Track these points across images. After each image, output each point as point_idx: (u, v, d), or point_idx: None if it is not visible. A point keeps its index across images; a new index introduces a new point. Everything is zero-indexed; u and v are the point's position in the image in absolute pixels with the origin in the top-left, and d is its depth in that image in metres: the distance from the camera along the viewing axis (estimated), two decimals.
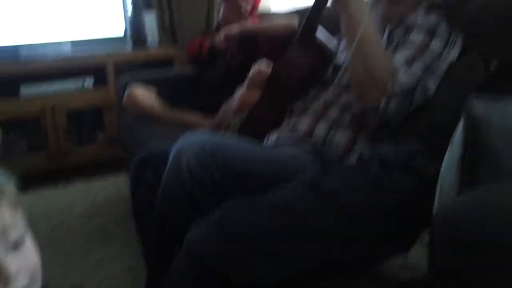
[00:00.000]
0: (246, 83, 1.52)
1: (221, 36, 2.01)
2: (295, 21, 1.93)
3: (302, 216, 0.86)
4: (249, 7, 2.23)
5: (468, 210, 0.54)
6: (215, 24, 2.92)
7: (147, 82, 2.20)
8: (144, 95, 2.04)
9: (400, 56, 1.23)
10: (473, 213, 0.53)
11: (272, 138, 1.37)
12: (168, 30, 3.39)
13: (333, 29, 1.44)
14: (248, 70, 1.96)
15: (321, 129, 1.30)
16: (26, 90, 2.76)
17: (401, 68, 1.17)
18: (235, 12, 2.23)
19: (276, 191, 0.95)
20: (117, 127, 2.75)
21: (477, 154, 0.61)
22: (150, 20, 3.17)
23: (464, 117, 0.62)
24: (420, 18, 1.33)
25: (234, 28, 2.00)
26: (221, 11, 2.33)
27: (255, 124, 1.48)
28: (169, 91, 2.14)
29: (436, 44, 1.26)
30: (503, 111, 0.62)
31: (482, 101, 0.62)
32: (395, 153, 0.95)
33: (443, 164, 0.69)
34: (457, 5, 1.38)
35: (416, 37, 1.27)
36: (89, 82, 2.93)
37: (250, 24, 2.15)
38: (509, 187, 0.55)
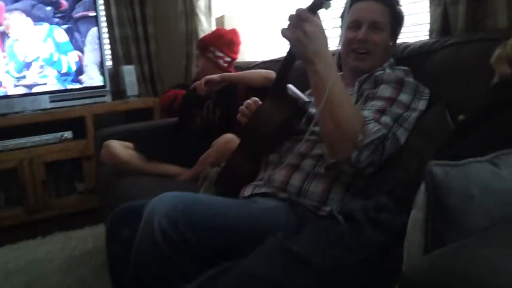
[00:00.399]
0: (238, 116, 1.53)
1: (202, 81, 2.05)
2: (274, 73, 1.99)
3: (274, 285, 0.86)
4: (226, 62, 2.29)
5: (434, 273, 0.54)
6: (193, 76, 2.99)
7: (125, 134, 2.22)
8: (121, 149, 2.04)
9: (370, 108, 1.27)
10: (438, 276, 0.53)
11: (248, 190, 1.38)
12: (147, 82, 3.45)
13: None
14: (226, 121, 1.99)
15: (296, 180, 1.31)
16: (4, 143, 2.75)
17: (371, 120, 1.20)
18: (212, 67, 2.29)
19: (247, 259, 0.94)
20: (96, 178, 2.73)
21: (440, 217, 0.62)
22: (129, 72, 3.21)
23: (425, 182, 0.64)
24: (388, 72, 1.39)
25: (215, 76, 2.05)
26: (198, 66, 2.38)
27: (231, 176, 1.48)
28: (148, 143, 2.15)
29: (404, 97, 1.30)
30: (462, 172, 0.65)
31: (441, 165, 0.64)
32: (363, 208, 0.96)
33: (409, 221, 0.70)
34: (420, 60, 1.45)
35: (385, 90, 1.31)
36: (68, 134, 2.93)
37: (230, 73, 2.21)
38: (474, 251, 0.56)
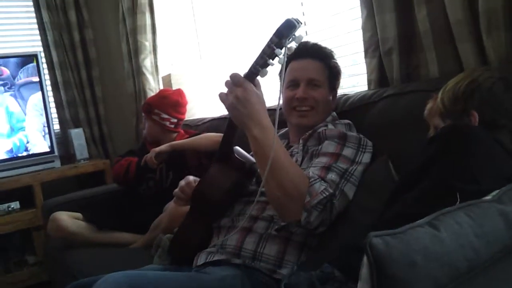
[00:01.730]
0: (175, 193, 1.49)
1: (151, 155, 2.02)
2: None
3: None
4: (172, 123, 2.27)
5: None
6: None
7: (73, 203, 2.14)
8: (69, 221, 1.96)
9: (316, 166, 1.28)
10: None
11: (201, 258, 1.33)
12: (98, 144, 3.38)
13: None
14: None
15: (250, 244, 1.28)
16: None
17: (317, 179, 1.20)
18: (159, 129, 2.27)
19: None
20: (44, 251, 2.60)
21: None
22: (77, 136, 3.14)
23: (366, 256, 0.63)
24: (330, 127, 1.41)
25: (163, 147, 2.03)
26: (145, 128, 2.35)
27: (184, 243, 1.45)
28: (97, 212, 2.08)
29: (348, 151, 1.32)
30: (402, 241, 0.64)
31: (381, 236, 0.63)
32: (309, 280, 0.94)
33: None
34: (360, 112, 1.49)
35: (329, 146, 1.33)
36: (15, 204, 2.80)
37: (178, 140, 2.19)
38: None
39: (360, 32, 1.72)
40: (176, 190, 1.44)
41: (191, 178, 1.45)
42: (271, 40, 1.10)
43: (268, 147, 1.11)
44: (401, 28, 1.55)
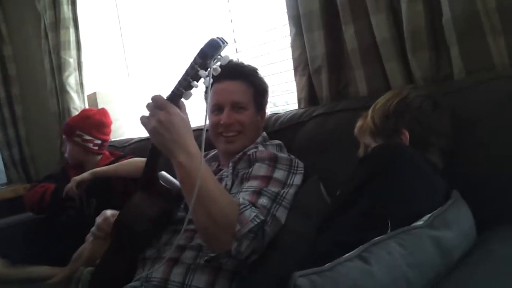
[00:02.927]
0: (92, 231, 1.39)
1: (72, 185, 1.88)
2: None
3: None
4: (96, 145, 2.14)
5: None
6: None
7: None
8: None
9: (246, 190, 1.21)
10: None
11: None
12: (18, 167, 3.15)
13: None
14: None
15: (177, 275, 1.19)
16: None
17: (247, 205, 1.13)
18: (81, 151, 2.12)
19: None
20: None
21: None
22: None
23: None
24: (261, 149, 1.36)
25: (85, 175, 1.90)
26: (66, 151, 2.20)
27: (106, 276, 1.33)
28: (10, 245, 1.89)
29: (279, 173, 1.27)
30: (330, 279, 0.60)
31: (307, 275, 0.58)
32: None
33: None
34: (290, 132, 1.45)
35: (260, 169, 1.27)
36: None
37: (101, 165, 2.06)
38: None
39: (290, 50, 1.70)
40: (93, 228, 1.33)
41: (108, 213, 1.35)
42: (194, 61, 1.02)
43: (195, 174, 1.03)
44: (329, 46, 1.54)
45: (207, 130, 1.16)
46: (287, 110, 1.65)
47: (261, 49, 2.17)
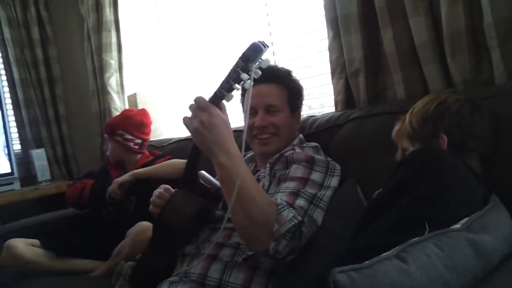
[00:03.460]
0: (152, 200, 1.42)
1: (114, 187, 1.97)
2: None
3: None
4: (136, 144, 2.21)
5: None
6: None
7: (30, 229, 2.03)
8: (25, 248, 1.85)
9: (284, 191, 1.23)
10: None
11: (163, 287, 1.27)
12: (61, 164, 3.27)
13: None
14: (142, 209, 1.89)
15: (215, 272, 1.23)
16: None
17: (285, 206, 1.16)
18: (122, 150, 2.20)
19: None
20: None
21: None
22: (39, 156, 3.02)
23: None
24: (298, 151, 1.38)
25: (126, 177, 1.97)
26: (108, 149, 2.28)
27: (146, 272, 1.38)
28: (56, 238, 1.98)
29: (316, 175, 1.29)
30: (368, 276, 0.61)
31: (346, 272, 0.60)
32: None
33: None
34: (327, 134, 1.46)
35: (297, 171, 1.29)
36: None
37: (141, 165, 2.12)
38: None
39: (327, 53, 1.71)
40: (153, 197, 1.37)
41: (167, 185, 1.39)
42: (236, 64, 1.05)
43: (235, 174, 1.06)
44: (367, 50, 1.55)
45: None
46: (324, 113, 1.66)
47: (297, 52, 2.19)
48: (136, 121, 2.21)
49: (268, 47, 1.06)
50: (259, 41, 1.05)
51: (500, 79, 1.23)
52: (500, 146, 1.05)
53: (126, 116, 2.25)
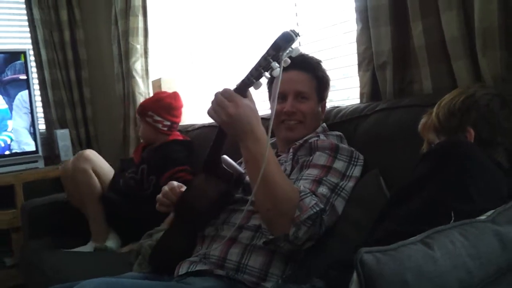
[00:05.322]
0: (158, 198, 1.44)
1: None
2: None
3: None
4: (165, 126, 2.25)
5: None
6: (131, 137, 2.96)
7: (56, 204, 2.08)
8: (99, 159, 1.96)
9: (306, 178, 1.25)
10: None
11: (183, 267, 1.29)
12: (84, 146, 3.33)
13: None
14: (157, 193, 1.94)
15: (234, 254, 1.24)
16: None
17: (308, 193, 1.17)
18: (152, 131, 2.26)
19: None
20: (21, 253, 2.52)
21: None
22: (63, 136, 3.08)
23: (356, 273, 0.60)
24: (322, 138, 1.38)
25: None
26: (140, 129, 2.35)
27: (166, 252, 1.40)
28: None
29: (339, 164, 1.30)
30: (394, 258, 0.62)
31: (373, 252, 0.61)
32: None
33: None
34: (352, 125, 1.47)
35: (320, 158, 1.30)
36: None
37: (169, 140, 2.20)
38: None
39: (352, 46, 1.71)
40: (159, 195, 1.40)
41: (175, 183, 1.41)
42: (267, 52, 1.07)
43: (261, 158, 1.09)
44: (396, 42, 1.54)
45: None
46: (348, 105, 1.66)
47: (322, 44, 2.18)
48: (165, 103, 2.27)
49: (299, 36, 1.07)
50: (291, 30, 1.06)
51: None
52: None
53: (157, 98, 2.33)
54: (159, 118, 2.25)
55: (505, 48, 1.29)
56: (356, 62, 1.72)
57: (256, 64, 1.08)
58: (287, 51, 1.07)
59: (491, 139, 1.02)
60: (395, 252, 0.63)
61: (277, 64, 1.06)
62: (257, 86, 1.10)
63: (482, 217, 0.79)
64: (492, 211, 0.81)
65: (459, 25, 1.36)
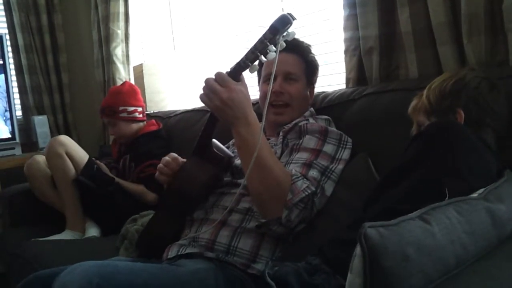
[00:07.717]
0: (159, 167, 1.41)
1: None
2: None
3: None
4: (140, 113, 2.21)
5: None
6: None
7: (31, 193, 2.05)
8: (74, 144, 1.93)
9: (297, 162, 1.25)
10: None
11: (172, 250, 1.29)
12: (62, 132, 3.26)
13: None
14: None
15: (224, 237, 1.25)
16: None
17: (299, 176, 1.18)
18: (130, 124, 2.19)
19: None
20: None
21: (378, 282, 0.60)
22: (41, 123, 3.01)
23: (360, 246, 0.61)
24: (311, 122, 1.39)
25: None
26: (115, 132, 2.24)
27: (154, 236, 1.39)
28: None
29: (329, 147, 1.31)
30: (396, 233, 0.63)
31: (375, 227, 0.62)
32: (296, 271, 0.92)
33: (346, 286, 0.67)
34: (339, 109, 1.48)
35: (310, 141, 1.31)
36: None
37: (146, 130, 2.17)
38: None
39: (333, 33, 1.71)
40: (160, 164, 1.37)
41: (175, 154, 1.40)
42: (264, 35, 1.06)
43: (253, 143, 1.09)
44: (383, 28, 1.55)
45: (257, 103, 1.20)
46: (335, 89, 1.67)
47: (305, 31, 2.18)
48: (127, 91, 2.19)
49: (295, 19, 1.07)
50: (288, 13, 1.06)
51: None
52: None
53: (116, 92, 2.22)
54: (132, 108, 2.16)
55: (490, 33, 1.31)
56: (337, 48, 1.72)
57: (252, 47, 1.08)
58: (284, 35, 1.07)
59: (480, 121, 1.04)
60: (396, 227, 0.64)
61: (273, 47, 1.06)
62: (253, 70, 1.10)
63: (474, 195, 0.81)
64: (483, 189, 0.84)
65: (445, 10, 1.38)
